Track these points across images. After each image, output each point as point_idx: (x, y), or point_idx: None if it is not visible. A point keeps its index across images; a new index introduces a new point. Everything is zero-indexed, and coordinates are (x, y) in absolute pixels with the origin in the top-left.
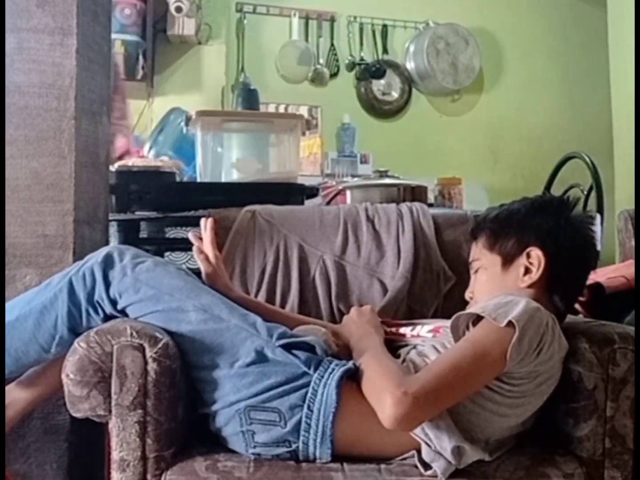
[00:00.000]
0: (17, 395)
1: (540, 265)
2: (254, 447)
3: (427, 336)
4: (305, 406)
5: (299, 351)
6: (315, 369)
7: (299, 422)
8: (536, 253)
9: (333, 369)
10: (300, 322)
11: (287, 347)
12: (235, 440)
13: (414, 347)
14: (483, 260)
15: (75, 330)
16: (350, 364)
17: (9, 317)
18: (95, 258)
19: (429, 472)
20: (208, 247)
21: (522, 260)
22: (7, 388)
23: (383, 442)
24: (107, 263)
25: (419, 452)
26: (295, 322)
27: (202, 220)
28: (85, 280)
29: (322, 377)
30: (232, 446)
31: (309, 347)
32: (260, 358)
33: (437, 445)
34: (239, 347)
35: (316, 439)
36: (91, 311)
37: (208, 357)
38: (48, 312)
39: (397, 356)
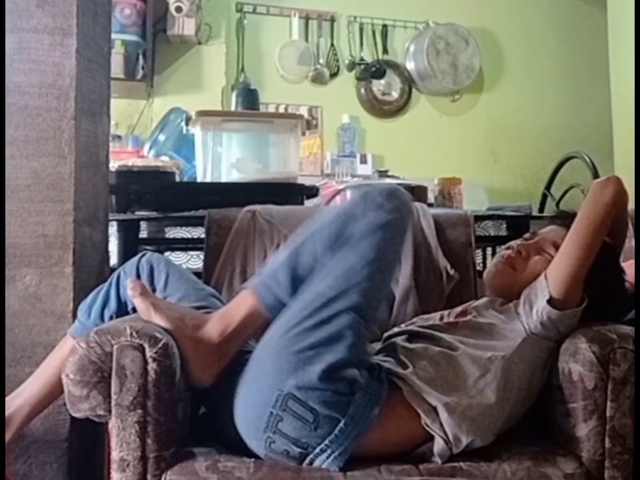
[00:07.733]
0: (21, 400)
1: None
2: (274, 432)
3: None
4: (343, 422)
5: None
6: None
7: (329, 433)
8: None
9: (380, 391)
10: None
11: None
12: (254, 421)
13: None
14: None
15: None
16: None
17: None
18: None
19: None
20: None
21: None
22: (12, 396)
23: (400, 440)
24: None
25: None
26: None
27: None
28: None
29: (365, 396)
30: (245, 430)
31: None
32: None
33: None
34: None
35: (335, 452)
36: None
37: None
38: None
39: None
